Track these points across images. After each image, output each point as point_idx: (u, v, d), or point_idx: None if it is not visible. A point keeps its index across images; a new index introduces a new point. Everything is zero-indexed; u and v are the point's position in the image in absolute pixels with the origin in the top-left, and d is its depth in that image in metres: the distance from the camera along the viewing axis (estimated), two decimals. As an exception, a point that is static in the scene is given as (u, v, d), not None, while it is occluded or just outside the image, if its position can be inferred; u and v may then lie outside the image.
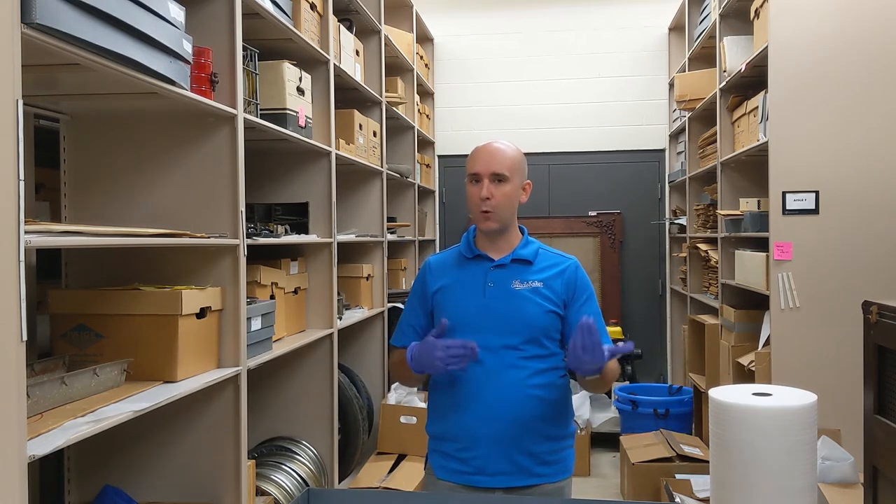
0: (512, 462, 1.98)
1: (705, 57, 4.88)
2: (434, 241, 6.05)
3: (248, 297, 2.52)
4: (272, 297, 2.92)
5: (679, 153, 5.71)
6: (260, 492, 2.92)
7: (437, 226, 6.14)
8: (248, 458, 2.50)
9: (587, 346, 1.80)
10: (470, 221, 2.12)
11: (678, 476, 3.74)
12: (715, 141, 4.37)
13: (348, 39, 3.81)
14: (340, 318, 3.58)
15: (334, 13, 3.53)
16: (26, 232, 1.43)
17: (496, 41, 6.16)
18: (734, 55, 4.01)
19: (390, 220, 4.67)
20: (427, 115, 5.88)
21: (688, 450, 4.02)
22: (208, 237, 2.26)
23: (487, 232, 2.06)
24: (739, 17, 4.05)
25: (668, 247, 6.00)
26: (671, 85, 5.81)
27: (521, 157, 2.08)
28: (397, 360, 2.11)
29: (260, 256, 2.98)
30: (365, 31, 4.29)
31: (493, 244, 2.08)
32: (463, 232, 2.20)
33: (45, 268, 2.48)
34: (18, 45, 1.39)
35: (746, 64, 3.71)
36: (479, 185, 2.03)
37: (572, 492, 2.14)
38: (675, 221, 5.67)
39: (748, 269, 3.73)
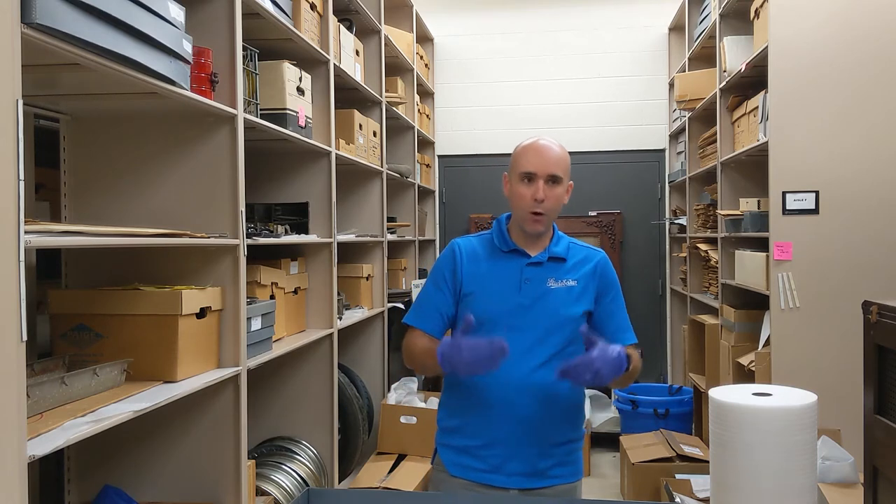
0: (530, 463, 1.97)
1: (705, 57, 4.88)
2: (434, 240, 6.04)
3: (248, 297, 2.52)
4: (272, 297, 2.92)
5: (679, 153, 5.71)
6: (260, 492, 2.92)
7: (437, 226, 6.13)
8: (248, 458, 2.50)
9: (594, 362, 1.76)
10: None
11: (678, 476, 3.74)
12: (715, 141, 4.37)
13: (348, 39, 3.81)
14: (340, 318, 3.58)
15: (334, 13, 3.53)
16: (26, 232, 1.43)
17: (496, 41, 6.17)
18: (734, 55, 4.01)
19: (390, 220, 4.67)
20: (427, 115, 5.88)
21: (688, 450, 4.02)
22: (208, 237, 2.26)
23: (534, 234, 2.02)
24: (739, 17, 4.05)
25: (668, 247, 6.00)
26: (671, 85, 5.81)
27: (568, 159, 2.04)
28: (420, 346, 1.99)
29: (260, 256, 2.98)
30: (365, 31, 4.29)
31: (529, 239, 2.04)
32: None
33: (45, 268, 2.47)
34: (18, 45, 1.39)
35: (746, 64, 3.71)
36: (532, 186, 1.96)
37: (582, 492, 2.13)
38: (675, 221, 5.67)
39: (748, 269, 3.73)
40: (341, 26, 3.72)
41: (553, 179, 1.97)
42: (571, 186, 2.07)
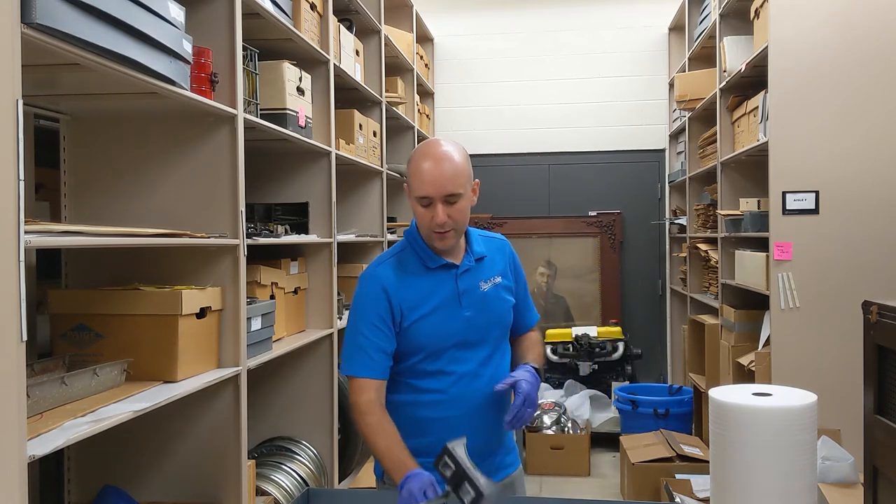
0: (489, 463, 1.93)
1: (705, 57, 4.89)
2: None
3: (248, 297, 2.52)
4: (272, 297, 2.92)
5: (679, 153, 5.71)
6: (260, 492, 2.91)
7: (437, 226, 6.13)
8: (248, 458, 2.50)
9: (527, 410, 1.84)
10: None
11: (678, 476, 3.74)
12: (715, 141, 4.37)
13: (348, 39, 3.81)
14: (340, 318, 3.58)
15: (334, 13, 3.53)
16: (26, 232, 1.42)
17: (496, 41, 6.17)
18: (734, 55, 4.01)
19: (390, 220, 4.67)
20: (427, 115, 5.88)
21: (688, 450, 4.02)
22: (208, 237, 2.26)
23: (443, 250, 1.92)
24: (739, 17, 4.06)
25: (668, 247, 6.00)
26: (671, 85, 5.81)
27: (467, 161, 1.89)
28: (378, 422, 1.83)
29: (260, 256, 2.98)
30: (365, 31, 4.29)
31: (448, 248, 1.94)
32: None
33: (45, 268, 2.47)
34: (18, 45, 1.39)
35: (746, 64, 3.71)
36: (430, 209, 1.83)
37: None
38: (675, 221, 5.67)
39: (748, 269, 3.73)
40: (341, 26, 3.72)
41: (451, 199, 1.83)
42: (478, 184, 1.94)
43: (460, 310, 1.91)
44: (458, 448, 1.66)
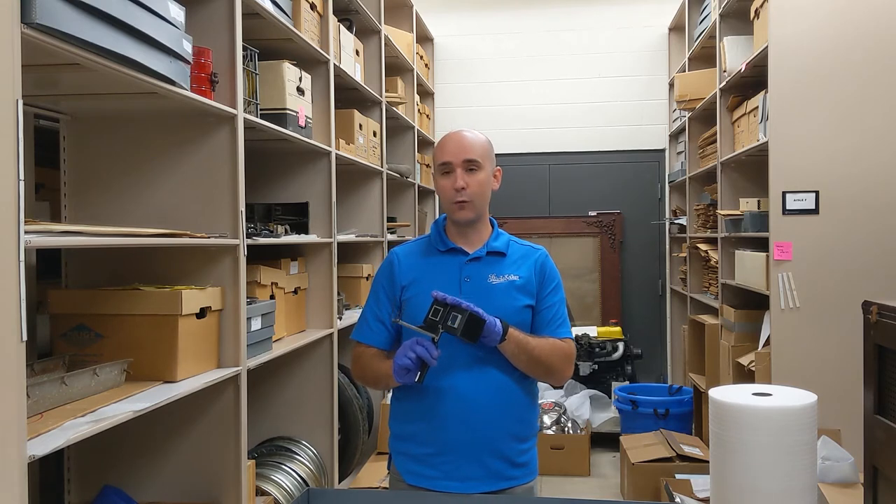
0: (485, 466, 1.92)
1: (705, 57, 4.89)
2: (434, 241, 6.04)
3: (248, 297, 2.52)
4: (272, 297, 2.92)
5: (679, 153, 5.71)
6: (260, 492, 2.92)
7: (437, 226, 6.12)
8: (248, 458, 2.50)
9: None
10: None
11: (678, 476, 3.74)
12: (715, 141, 4.38)
13: (348, 39, 3.81)
14: (340, 318, 3.58)
15: (334, 13, 3.53)
16: (26, 232, 1.43)
17: (496, 41, 6.17)
18: (734, 55, 4.01)
19: (390, 220, 4.67)
20: (427, 115, 5.88)
21: (688, 450, 4.02)
22: (208, 237, 2.26)
23: (463, 222, 1.98)
24: (739, 17, 4.06)
25: (668, 247, 6.01)
26: (671, 85, 5.81)
27: (490, 144, 2.03)
28: (364, 357, 2.01)
29: (260, 256, 2.98)
30: (365, 31, 4.29)
31: (465, 237, 2.01)
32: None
33: (45, 268, 2.47)
34: (18, 45, 1.39)
35: (746, 64, 3.71)
36: (451, 176, 1.95)
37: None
38: (675, 221, 5.67)
39: (748, 269, 3.73)
40: (341, 26, 3.72)
41: (471, 165, 1.95)
42: (500, 172, 2.06)
43: (459, 294, 1.91)
44: (443, 294, 1.81)
